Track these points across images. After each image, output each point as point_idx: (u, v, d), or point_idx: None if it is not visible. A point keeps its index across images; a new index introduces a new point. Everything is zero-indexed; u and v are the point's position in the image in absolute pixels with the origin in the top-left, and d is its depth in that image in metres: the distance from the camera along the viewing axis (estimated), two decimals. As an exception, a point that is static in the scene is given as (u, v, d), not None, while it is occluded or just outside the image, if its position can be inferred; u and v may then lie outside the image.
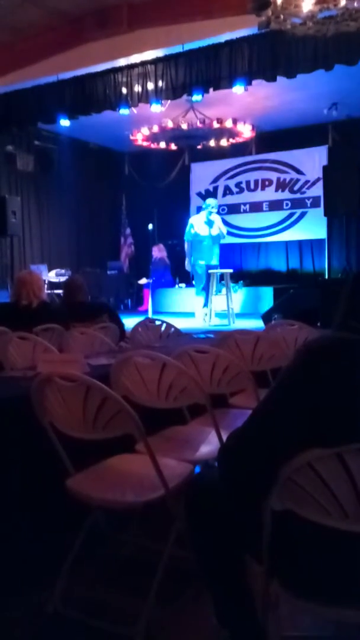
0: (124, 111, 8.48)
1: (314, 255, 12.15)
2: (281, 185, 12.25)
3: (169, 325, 4.80)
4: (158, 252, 12.09)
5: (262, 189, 12.46)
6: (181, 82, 7.73)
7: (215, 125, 9.89)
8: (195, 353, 2.79)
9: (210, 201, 9.76)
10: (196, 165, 12.92)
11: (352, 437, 1.32)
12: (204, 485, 1.80)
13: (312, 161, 11.63)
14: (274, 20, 5.17)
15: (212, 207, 9.52)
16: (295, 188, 12.09)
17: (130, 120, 9.91)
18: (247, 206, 12.64)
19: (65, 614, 2.13)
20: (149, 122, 10.02)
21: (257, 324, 7.89)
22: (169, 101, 8.25)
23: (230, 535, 1.66)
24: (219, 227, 9.46)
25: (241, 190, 12.70)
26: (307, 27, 5.23)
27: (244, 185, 12.66)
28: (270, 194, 12.36)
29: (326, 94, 9.47)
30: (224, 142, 10.64)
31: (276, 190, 12.29)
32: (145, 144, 10.85)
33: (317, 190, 11.38)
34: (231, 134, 10.44)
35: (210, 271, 9.35)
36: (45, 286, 7.20)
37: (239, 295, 10.77)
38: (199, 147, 11.17)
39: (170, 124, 9.87)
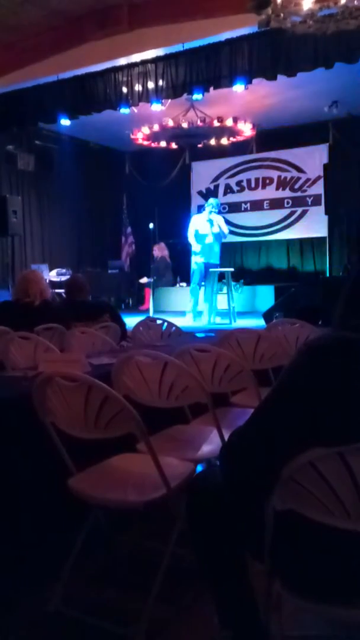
0: (124, 110, 8.48)
1: (315, 254, 12.16)
2: (282, 184, 12.24)
3: (170, 325, 4.80)
4: (159, 251, 12.09)
5: (263, 187, 12.46)
6: (181, 81, 7.72)
7: (216, 123, 9.89)
8: (196, 352, 2.79)
9: (212, 200, 9.77)
10: (197, 164, 12.92)
11: (354, 436, 1.32)
12: (205, 485, 1.80)
13: (312, 159, 11.62)
14: (274, 19, 5.16)
15: (213, 207, 9.53)
16: (296, 186, 12.09)
17: (131, 120, 9.90)
18: (248, 205, 12.64)
19: (66, 613, 2.13)
20: (149, 121, 10.02)
21: (258, 322, 7.89)
22: (170, 100, 8.25)
23: (231, 535, 1.66)
24: (219, 225, 9.46)
25: (242, 189, 12.70)
26: (307, 25, 5.21)
27: (244, 183, 12.66)
28: (271, 193, 12.36)
29: (326, 92, 9.47)
30: (224, 141, 10.64)
31: (277, 189, 12.29)
32: (145, 143, 10.85)
33: (318, 189, 11.39)
34: (232, 132, 10.43)
35: (211, 270, 9.35)
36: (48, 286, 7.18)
37: (239, 294, 10.76)
38: (200, 145, 11.17)
39: (170, 123, 9.87)
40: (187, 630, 2.08)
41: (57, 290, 8.91)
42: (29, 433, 2.33)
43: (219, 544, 1.68)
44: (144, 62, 7.92)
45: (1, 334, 3.78)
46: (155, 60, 7.84)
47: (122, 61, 7.96)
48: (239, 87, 7.68)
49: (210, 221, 9.41)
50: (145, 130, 10.30)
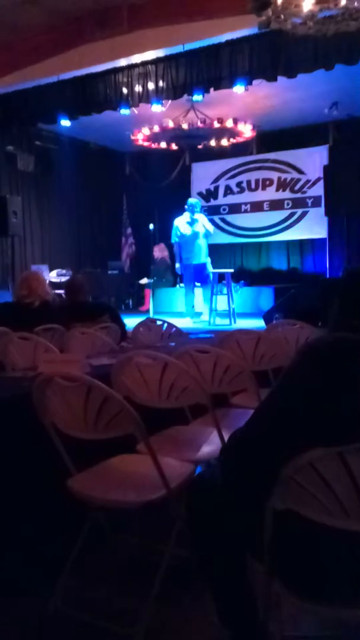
0: (124, 111, 8.48)
1: (315, 255, 12.15)
2: (282, 185, 12.24)
3: (170, 325, 4.80)
4: (159, 252, 12.08)
5: (263, 188, 12.45)
6: (182, 82, 7.72)
7: (216, 125, 9.88)
8: (196, 353, 2.79)
9: (192, 200, 9.76)
10: (197, 165, 12.92)
11: (354, 436, 1.32)
12: (205, 485, 1.80)
13: (312, 161, 11.62)
14: (275, 20, 5.16)
15: (195, 207, 9.51)
16: (296, 188, 12.09)
17: (131, 120, 9.90)
18: (248, 206, 12.63)
19: (66, 613, 2.13)
20: (149, 122, 10.02)
21: (258, 323, 7.89)
22: (170, 101, 8.24)
23: (231, 535, 1.66)
24: (203, 224, 9.46)
25: (242, 190, 12.70)
26: (307, 26, 5.21)
27: (244, 185, 12.65)
28: (271, 194, 12.35)
29: (327, 93, 9.47)
30: (224, 142, 10.63)
31: (277, 190, 12.28)
32: (145, 144, 10.85)
33: (318, 190, 11.38)
34: (232, 133, 10.43)
35: (213, 270, 9.36)
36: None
37: (239, 295, 10.76)
38: (200, 147, 11.16)
39: (170, 124, 9.86)
40: (186, 630, 2.08)
41: (57, 291, 8.92)
42: (29, 433, 2.33)
43: (218, 544, 1.68)
44: (144, 63, 7.91)
45: (1, 335, 3.79)
46: (156, 61, 7.83)
47: (123, 62, 7.96)
48: (239, 89, 7.68)
49: (193, 221, 9.39)
50: (146, 131, 10.30)
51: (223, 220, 12.82)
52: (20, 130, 10.33)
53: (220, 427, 2.51)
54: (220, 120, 9.87)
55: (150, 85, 7.89)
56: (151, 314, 9.60)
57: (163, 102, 8.15)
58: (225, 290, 9.21)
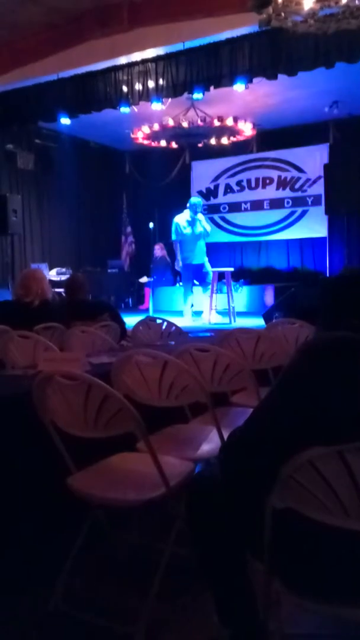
0: (124, 109, 8.47)
1: (315, 254, 12.15)
2: (282, 184, 12.24)
3: (169, 324, 4.80)
4: (159, 250, 12.08)
5: (263, 187, 12.45)
6: (182, 80, 7.71)
7: (216, 123, 9.87)
8: (196, 351, 2.79)
9: (194, 199, 9.74)
10: (197, 163, 12.91)
11: (354, 435, 1.32)
12: (205, 484, 1.80)
13: (313, 159, 11.61)
14: (275, 18, 5.15)
15: (197, 207, 9.50)
16: (296, 186, 12.09)
17: (131, 119, 9.90)
18: (248, 204, 12.63)
19: (66, 612, 2.13)
20: (149, 121, 10.01)
21: (258, 322, 7.89)
22: (170, 99, 8.24)
23: (231, 534, 1.66)
24: (202, 225, 9.45)
25: (242, 189, 12.69)
26: (308, 24, 5.20)
27: (244, 183, 12.65)
28: (271, 192, 12.36)
29: (327, 91, 9.46)
30: (224, 141, 10.62)
31: (277, 189, 12.29)
32: (145, 142, 10.84)
33: (318, 189, 11.38)
34: (232, 132, 10.42)
35: (212, 269, 9.35)
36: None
37: (239, 294, 10.76)
38: (200, 145, 11.15)
39: (171, 122, 9.86)
40: (186, 629, 2.08)
41: (56, 290, 8.91)
42: (29, 432, 2.33)
43: (218, 542, 1.68)
44: (144, 61, 7.91)
45: (1, 333, 3.78)
46: (156, 59, 7.82)
47: (123, 60, 7.95)
48: (239, 87, 7.68)
49: (194, 221, 9.38)
50: (146, 129, 10.29)
51: (223, 219, 12.82)
52: (20, 128, 10.33)
53: (220, 425, 2.51)
54: (221, 119, 9.86)
55: (151, 84, 7.88)
56: (151, 313, 9.60)
57: (163, 100, 8.15)
58: (225, 289, 9.20)
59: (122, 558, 2.58)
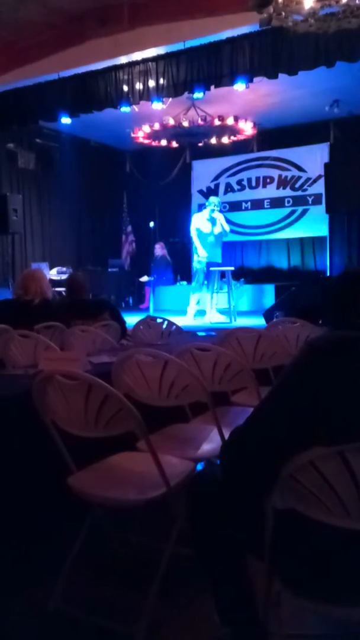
0: (125, 109, 8.48)
1: (316, 253, 12.15)
2: (283, 183, 12.23)
3: (170, 323, 4.80)
4: (160, 249, 12.09)
5: (264, 186, 12.45)
6: (182, 80, 7.72)
7: (217, 122, 9.89)
8: (197, 351, 2.79)
9: (213, 199, 9.74)
10: (197, 162, 12.91)
11: (355, 435, 1.32)
12: (205, 483, 1.80)
13: (313, 158, 11.61)
14: (276, 18, 5.15)
15: (215, 205, 9.50)
16: (297, 185, 12.08)
17: (132, 118, 9.90)
18: (249, 204, 12.63)
19: (66, 611, 2.13)
20: (150, 120, 10.01)
21: (258, 321, 7.89)
22: (170, 99, 8.25)
23: (231, 533, 1.66)
24: (221, 224, 9.44)
25: (243, 188, 12.69)
26: (308, 24, 5.21)
27: (245, 182, 12.65)
28: (271, 192, 12.36)
29: (328, 91, 9.46)
30: (225, 140, 10.63)
31: (278, 188, 12.29)
32: (146, 141, 10.85)
33: (319, 188, 11.38)
34: (232, 131, 10.43)
35: (211, 269, 9.34)
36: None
37: (240, 293, 10.76)
38: (200, 144, 11.16)
39: (171, 122, 9.87)
40: (187, 629, 2.08)
41: (57, 289, 8.91)
42: (29, 431, 2.33)
43: (218, 542, 1.68)
44: (144, 61, 7.91)
45: (2, 332, 3.78)
46: (156, 59, 7.83)
47: (123, 59, 7.96)
48: (240, 86, 7.67)
49: (213, 220, 9.38)
50: (146, 128, 10.30)
51: (224, 218, 12.82)
52: (21, 128, 10.31)
53: (220, 425, 2.51)
54: (221, 118, 9.87)
55: (151, 83, 7.88)
56: (151, 312, 9.60)
57: (164, 99, 8.15)
58: (225, 288, 9.20)
59: (123, 558, 2.58)
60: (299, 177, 12.04)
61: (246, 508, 1.60)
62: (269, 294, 10.55)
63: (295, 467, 1.39)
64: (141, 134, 10.51)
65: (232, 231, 12.51)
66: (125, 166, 13.62)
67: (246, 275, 11.66)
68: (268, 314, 7.65)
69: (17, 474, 2.43)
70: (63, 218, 12.52)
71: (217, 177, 12.88)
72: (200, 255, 9.55)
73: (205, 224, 9.41)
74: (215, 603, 1.77)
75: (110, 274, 12.22)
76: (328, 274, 11.49)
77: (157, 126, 10.11)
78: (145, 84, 7.95)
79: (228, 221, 10.46)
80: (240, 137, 10.75)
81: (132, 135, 10.66)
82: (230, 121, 10.00)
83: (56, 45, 8.01)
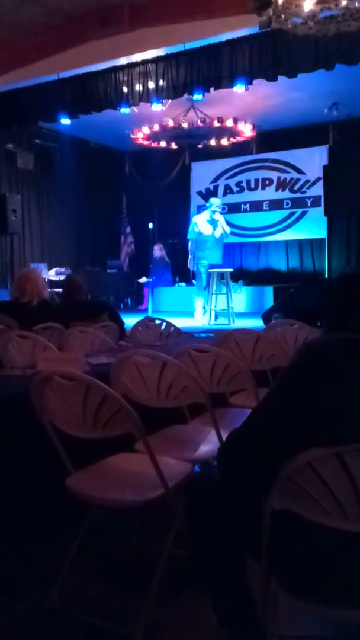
0: (124, 110, 8.48)
1: (314, 255, 12.16)
2: (281, 185, 12.25)
3: (169, 324, 4.80)
4: (158, 250, 12.09)
5: (263, 188, 12.47)
6: (182, 81, 7.72)
7: (216, 124, 9.89)
8: (195, 352, 2.79)
9: (214, 200, 9.71)
10: (197, 164, 12.92)
11: (352, 437, 1.32)
12: (203, 485, 1.80)
13: (312, 161, 11.63)
14: (275, 20, 5.15)
15: (216, 207, 9.48)
16: (296, 187, 12.10)
17: (131, 119, 9.90)
18: (248, 205, 12.64)
19: (64, 612, 2.13)
20: (149, 121, 10.02)
21: (257, 323, 7.89)
22: (170, 100, 8.25)
23: (229, 535, 1.66)
24: (222, 226, 9.43)
25: (241, 190, 12.71)
26: (308, 26, 5.21)
27: (244, 184, 12.66)
28: (270, 194, 12.37)
29: (327, 93, 9.48)
30: (224, 142, 10.65)
31: (276, 190, 12.30)
32: (145, 143, 10.85)
33: (318, 190, 11.40)
34: (232, 133, 10.44)
35: (210, 270, 9.33)
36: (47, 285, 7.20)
37: (239, 295, 10.76)
38: (200, 146, 11.17)
39: (171, 123, 9.87)
40: (185, 630, 2.08)
41: (56, 290, 8.91)
42: (27, 432, 2.33)
43: (216, 543, 1.68)
44: (144, 62, 7.91)
45: (0, 333, 3.78)
46: (156, 60, 7.83)
47: (123, 61, 7.96)
48: (239, 88, 7.68)
49: (214, 222, 9.35)
50: (146, 130, 10.30)
51: (224, 219, 12.83)
52: (20, 128, 10.32)
53: (218, 426, 2.51)
54: (220, 120, 9.88)
55: (151, 84, 7.89)
56: (150, 313, 9.60)
57: (163, 101, 8.16)
58: (224, 290, 9.20)
59: (121, 559, 2.58)
60: (298, 180, 12.05)
61: (244, 509, 1.60)
62: (267, 296, 10.56)
63: (293, 469, 1.39)
64: (140, 135, 10.52)
65: (231, 233, 12.53)
66: (125, 167, 13.62)
67: (245, 277, 11.67)
68: (266, 316, 7.65)
69: (16, 474, 2.43)
70: (62, 219, 12.52)
71: (216, 179, 12.90)
72: (203, 258, 9.51)
73: (206, 225, 9.38)
74: (213, 604, 1.77)
75: (109, 275, 12.22)
76: (326, 276, 11.50)
77: (156, 127, 10.11)
78: (144, 85, 7.96)
79: (227, 223, 10.46)
80: (239, 139, 10.75)
81: (132, 136, 10.66)
82: (229, 123, 10.01)
83: (56, 45, 8.01)
